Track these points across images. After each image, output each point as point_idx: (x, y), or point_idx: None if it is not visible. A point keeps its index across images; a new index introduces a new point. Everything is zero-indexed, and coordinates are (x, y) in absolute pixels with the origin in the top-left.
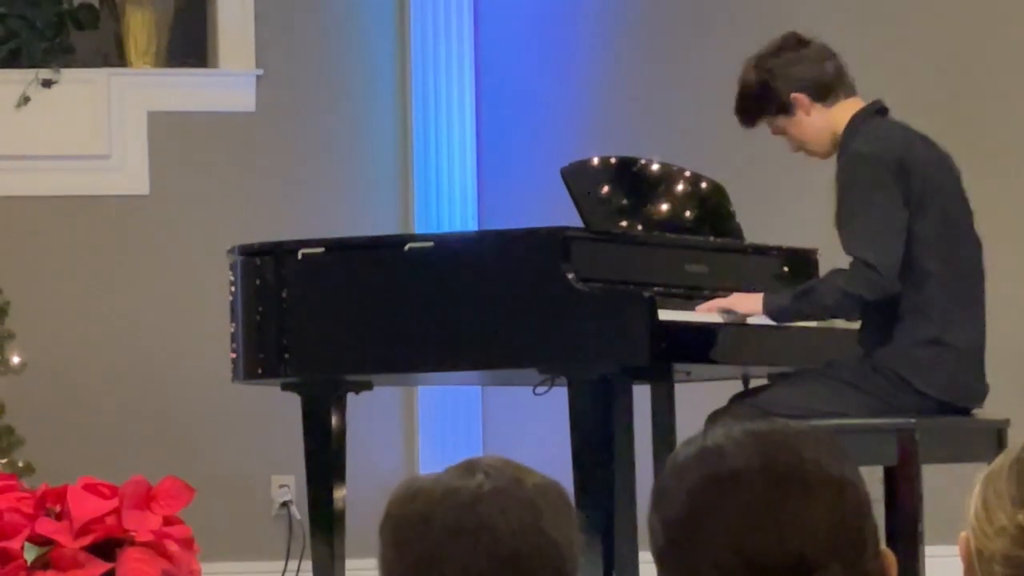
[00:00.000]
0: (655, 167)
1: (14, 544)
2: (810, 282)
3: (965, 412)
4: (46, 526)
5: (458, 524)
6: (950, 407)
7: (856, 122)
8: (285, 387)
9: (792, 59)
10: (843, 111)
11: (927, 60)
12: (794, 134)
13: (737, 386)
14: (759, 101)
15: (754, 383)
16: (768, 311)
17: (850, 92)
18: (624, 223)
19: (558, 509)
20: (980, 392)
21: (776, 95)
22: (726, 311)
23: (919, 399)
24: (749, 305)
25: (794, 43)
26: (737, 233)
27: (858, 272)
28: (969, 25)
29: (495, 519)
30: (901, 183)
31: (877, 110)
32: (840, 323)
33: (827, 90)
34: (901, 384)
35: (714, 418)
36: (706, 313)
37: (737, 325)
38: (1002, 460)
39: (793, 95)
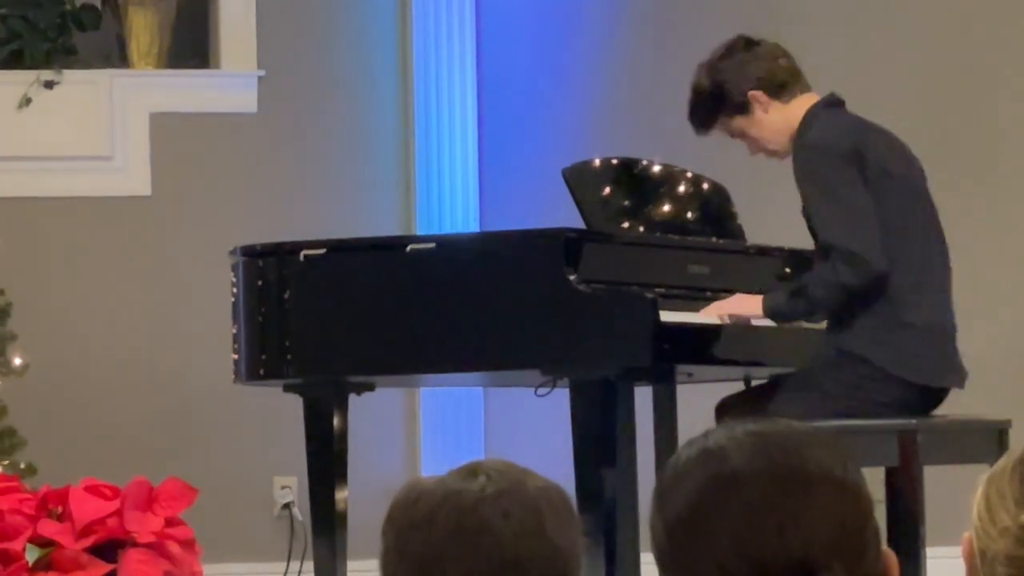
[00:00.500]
0: (657, 168)
1: (16, 545)
2: (801, 279)
3: (941, 394)
4: (48, 527)
5: (460, 527)
6: (922, 389)
7: (811, 116)
8: (287, 388)
9: (745, 59)
10: (800, 107)
11: (927, 60)
12: (753, 134)
13: (738, 387)
14: (715, 103)
15: (756, 384)
16: (767, 312)
17: (805, 88)
18: (626, 224)
19: (560, 512)
20: (953, 371)
21: (732, 95)
22: (730, 316)
23: (889, 384)
24: (750, 307)
25: (744, 44)
26: (739, 234)
27: (843, 262)
28: (969, 25)
29: (497, 522)
30: (856, 168)
31: (831, 103)
32: None
33: (783, 86)
34: (869, 371)
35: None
36: (709, 317)
37: (739, 326)
38: (1005, 461)
39: (750, 93)
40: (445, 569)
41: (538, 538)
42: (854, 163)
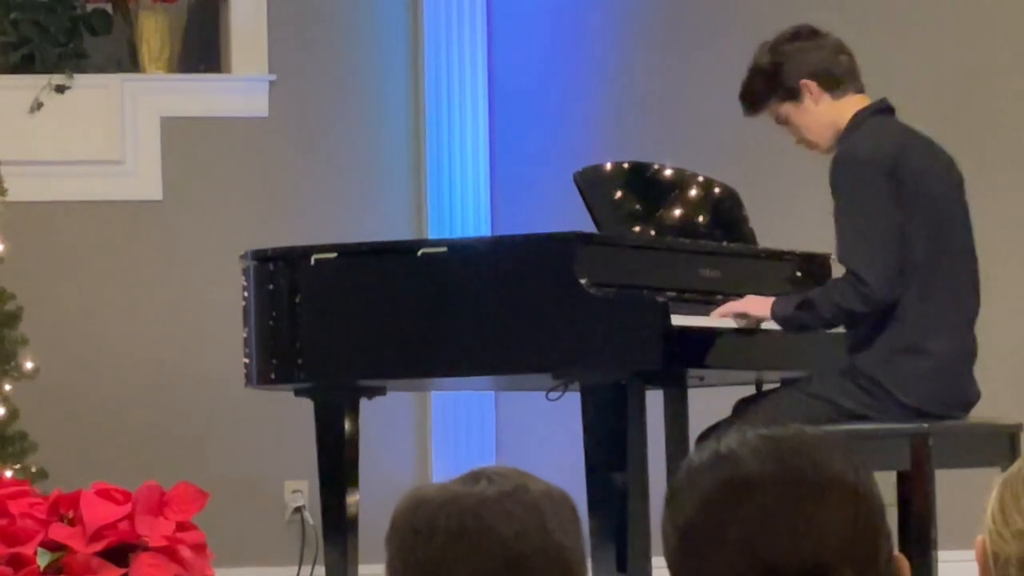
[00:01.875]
0: (668, 172)
1: (27, 549)
2: (811, 293)
3: (946, 419)
4: (59, 531)
5: (462, 528)
6: (933, 417)
7: (858, 120)
8: (298, 392)
9: (807, 46)
10: (849, 106)
11: (929, 61)
12: (798, 122)
13: (748, 391)
14: (768, 84)
15: (768, 388)
16: (775, 318)
17: (859, 89)
18: (637, 228)
19: (563, 513)
20: (965, 401)
21: (786, 79)
22: (739, 315)
23: (899, 409)
24: (760, 309)
25: (810, 32)
26: (750, 238)
27: (851, 286)
28: (970, 25)
29: (499, 522)
30: (894, 184)
31: (881, 109)
32: None
33: (837, 82)
34: (880, 394)
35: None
36: (720, 319)
37: (750, 331)
38: (1020, 464)
39: (803, 81)
40: (450, 571)
41: (541, 536)
42: (891, 181)
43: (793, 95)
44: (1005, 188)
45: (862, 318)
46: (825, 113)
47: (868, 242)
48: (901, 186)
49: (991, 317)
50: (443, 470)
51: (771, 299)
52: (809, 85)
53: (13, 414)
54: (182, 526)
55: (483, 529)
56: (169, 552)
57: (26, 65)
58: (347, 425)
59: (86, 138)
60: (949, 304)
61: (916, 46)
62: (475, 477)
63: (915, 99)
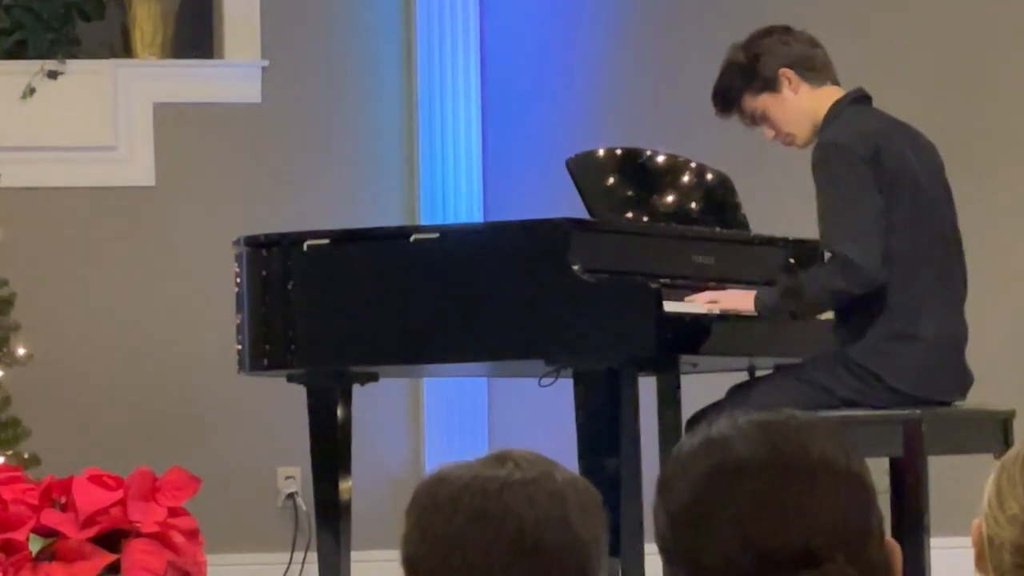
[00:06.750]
0: (661, 158)
1: (19, 535)
2: (796, 278)
3: (939, 405)
4: (51, 517)
5: (484, 510)
6: (927, 402)
7: (835, 110)
8: (291, 378)
9: (782, 39)
10: (827, 96)
11: (926, 61)
12: (775, 114)
13: (741, 377)
14: (745, 77)
15: (761, 375)
16: (758, 310)
17: (835, 82)
18: (630, 214)
19: (586, 506)
20: (958, 385)
21: (764, 70)
22: (721, 309)
23: (892, 396)
24: (742, 303)
25: (783, 29)
26: (743, 224)
27: (842, 268)
28: (970, 25)
29: (521, 508)
30: (874, 169)
31: (858, 98)
32: None
33: (815, 72)
34: (873, 381)
35: (694, 422)
36: (698, 305)
37: (742, 317)
38: (1018, 449)
39: (782, 70)
40: (465, 551)
41: (561, 527)
42: (871, 166)
43: (771, 86)
44: (1001, 175)
45: (853, 299)
46: (805, 102)
47: (854, 225)
48: (882, 172)
49: (985, 304)
50: (436, 456)
51: (752, 292)
52: (788, 74)
53: (6, 400)
54: (174, 512)
55: (504, 513)
56: (161, 538)
57: (18, 51)
58: (340, 411)
59: (79, 124)
60: (935, 289)
61: (913, 38)
62: (501, 459)
63: (912, 91)
